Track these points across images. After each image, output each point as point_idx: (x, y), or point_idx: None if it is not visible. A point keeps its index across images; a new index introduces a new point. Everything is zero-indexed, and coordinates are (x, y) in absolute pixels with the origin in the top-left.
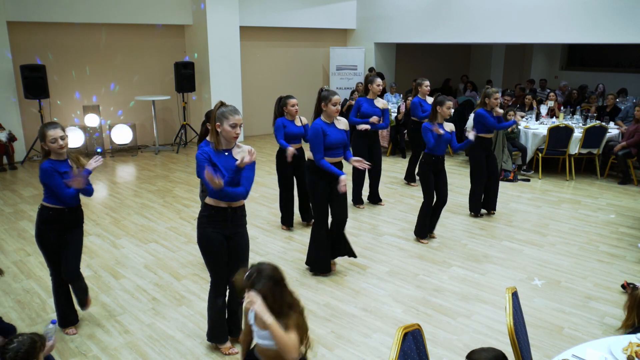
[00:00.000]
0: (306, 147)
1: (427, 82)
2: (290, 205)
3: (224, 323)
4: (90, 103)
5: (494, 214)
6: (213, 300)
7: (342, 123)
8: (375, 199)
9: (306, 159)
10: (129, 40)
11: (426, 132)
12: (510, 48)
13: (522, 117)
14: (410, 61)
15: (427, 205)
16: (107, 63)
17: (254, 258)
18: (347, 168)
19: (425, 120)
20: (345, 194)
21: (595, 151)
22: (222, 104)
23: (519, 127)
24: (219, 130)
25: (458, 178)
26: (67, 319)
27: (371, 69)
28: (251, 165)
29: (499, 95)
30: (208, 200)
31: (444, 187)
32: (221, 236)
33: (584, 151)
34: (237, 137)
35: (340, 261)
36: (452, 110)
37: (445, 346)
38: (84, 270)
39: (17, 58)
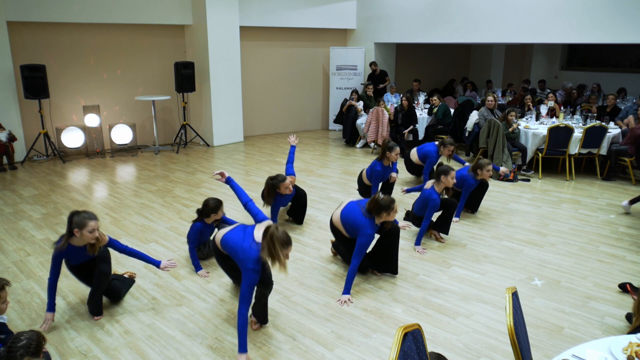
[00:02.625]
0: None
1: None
2: None
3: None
4: (90, 103)
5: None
6: None
7: None
8: None
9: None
10: (129, 40)
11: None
12: (510, 48)
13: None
14: (410, 61)
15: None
16: (107, 63)
17: None
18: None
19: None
20: None
21: (595, 151)
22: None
23: (519, 127)
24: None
25: None
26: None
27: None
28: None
29: (490, 167)
30: None
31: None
32: None
33: (584, 151)
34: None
35: (341, 260)
36: (455, 181)
37: (445, 346)
38: None
39: (17, 58)
